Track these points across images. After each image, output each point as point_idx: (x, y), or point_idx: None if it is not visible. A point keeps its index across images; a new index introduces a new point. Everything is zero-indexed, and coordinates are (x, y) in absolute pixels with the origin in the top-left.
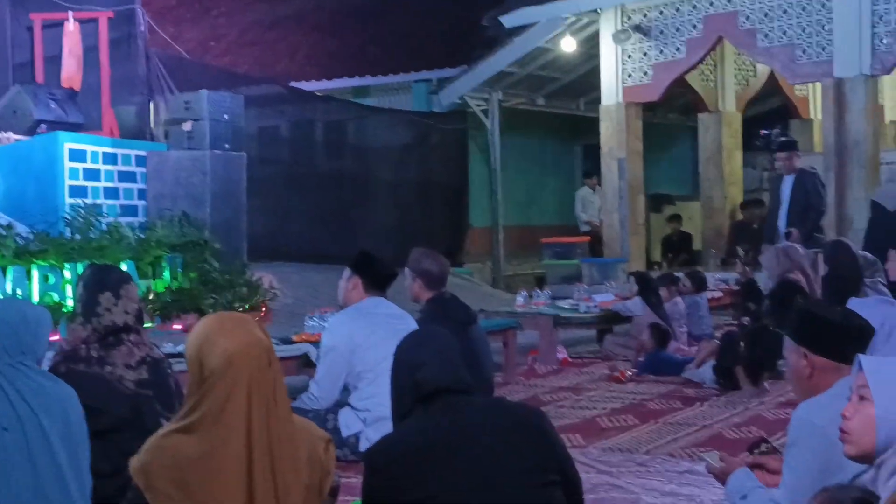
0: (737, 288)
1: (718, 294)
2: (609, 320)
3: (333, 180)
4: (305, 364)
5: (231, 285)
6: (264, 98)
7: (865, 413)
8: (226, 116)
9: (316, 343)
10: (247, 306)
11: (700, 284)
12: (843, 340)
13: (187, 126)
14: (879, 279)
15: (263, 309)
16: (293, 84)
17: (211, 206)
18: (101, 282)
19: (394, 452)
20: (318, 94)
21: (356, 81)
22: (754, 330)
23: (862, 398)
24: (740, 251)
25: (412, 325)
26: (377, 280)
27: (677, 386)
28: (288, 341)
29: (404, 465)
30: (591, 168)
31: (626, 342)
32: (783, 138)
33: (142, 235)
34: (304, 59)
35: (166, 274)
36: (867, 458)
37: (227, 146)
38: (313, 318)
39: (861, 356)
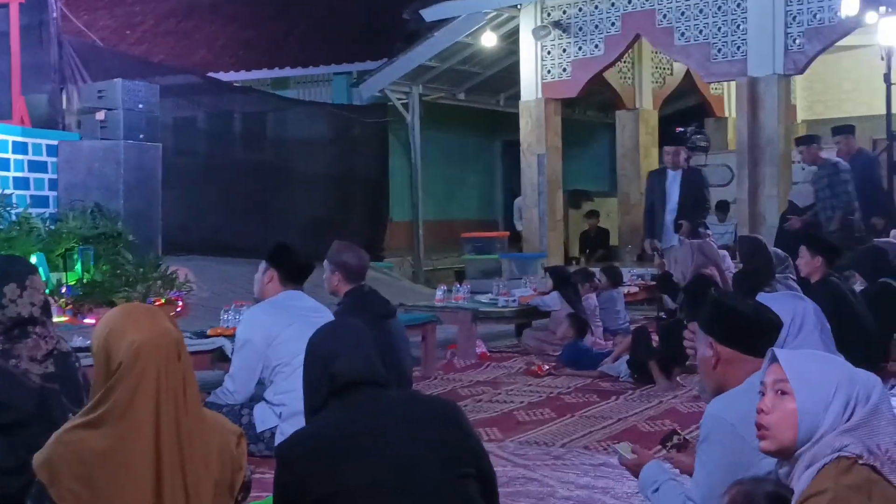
0: (653, 283)
1: (634, 289)
2: (527, 315)
3: (252, 172)
4: (220, 358)
5: (145, 278)
6: (181, 88)
7: (785, 408)
8: (140, 106)
9: (231, 337)
10: (162, 300)
11: (616, 279)
12: (752, 333)
13: (100, 115)
14: (790, 275)
15: (180, 303)
16: (211, 74)
17: (124, 197)
18: (5, 273)
19: (306, 447)
20: (237, 84)
21: (276, 73)
22: (668, 324)
23: (781, 392)
24: (658, 244)
25: (330, 319)
26: (294, 273)
27: (594, 380)
28: (202, 335)
29: (317, 460)
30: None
31: (544, 336)
32: (697, 135)
33: (53, 227)
34: (222, 49)
35: (78, 266)
36: (786, 453)
37: (141, 136)
38: (228, 312)
39: (776, 350)
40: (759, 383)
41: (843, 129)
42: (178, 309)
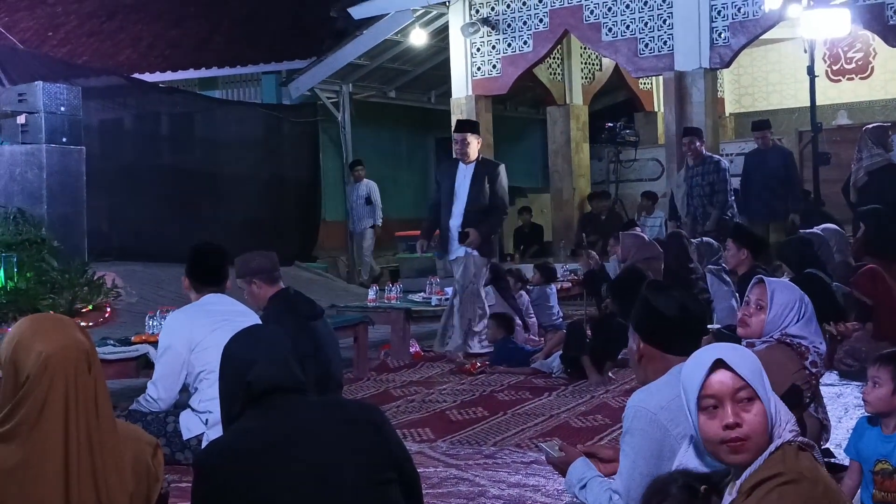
0: (581, 279)
1: (567, 285)
2: None
3: (180, 175)
4: (145, 365)
5: (71, 285)
6: (105, 90)
7: (755, 413)
8: (63, 109)
9: (155, 343)
10: (89, 306)
11: (549, 275)
12: (673, 333)
13: (21, 119)
14: (724, 264)
15: (108, 309)
16: (136, 75)
17: (48, 202)
18: None
19: (224, 456)
20: (163, 85)
21: (202, 73)
22: (599, 319)
23: (746, 399)
24: (584, 239)
25: (256, 322)
26: (206, 276)
27: (526, 377)
28: (127, 342)
29: (236, 469)
30: None
31: None
32: (626, 130)
33: None
34: (148, 49)
35: (1, 274)
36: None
37: (64, 140)
38: (154, 318)
39: (723, 357)
40: (677, 376)
41: (761, 125)
42: (107, 315)
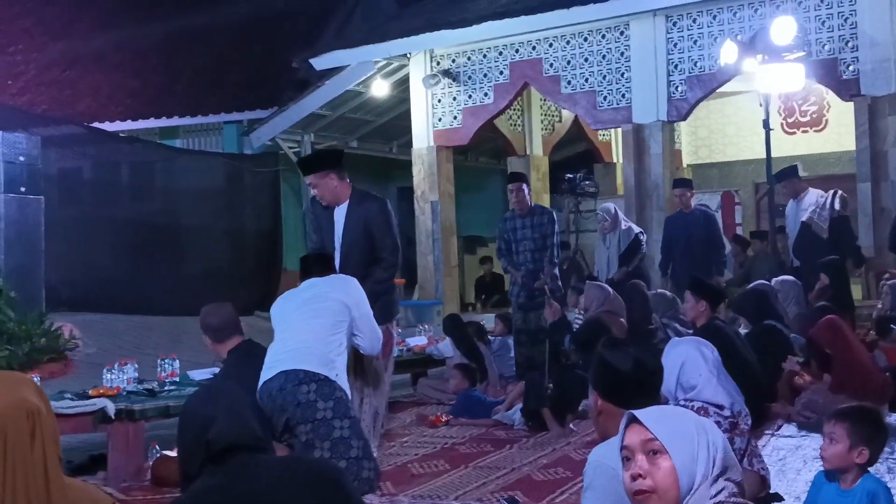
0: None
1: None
2: (423, 363)
3: (140, 224)
4: (102, 419)
5: (28, 336)
6: (65, 139)
7: (663, 466)
8: (21, 158)
9: (113, 397)
10: (47, 358)
11: (510, 326)
12: (628, 389)
13: None
14: (681, 316)
15: (67, 360)
16: (97, 124)
17: (5, 252)
18: None
19: None
20: (123, 134)
21: (163, 122)
22: (559, 370)
23: (653, 452)
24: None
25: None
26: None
27: (488, 429)
28: (85, 395)
29: None
30: None
31: (439, 385)
32: (586, 181)
33: None
34: (108, 98)
35: None
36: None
37: (22, 189)
38: (112, 371)
39: (635, 412)
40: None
41: (682, 182)
42: (64, 366)
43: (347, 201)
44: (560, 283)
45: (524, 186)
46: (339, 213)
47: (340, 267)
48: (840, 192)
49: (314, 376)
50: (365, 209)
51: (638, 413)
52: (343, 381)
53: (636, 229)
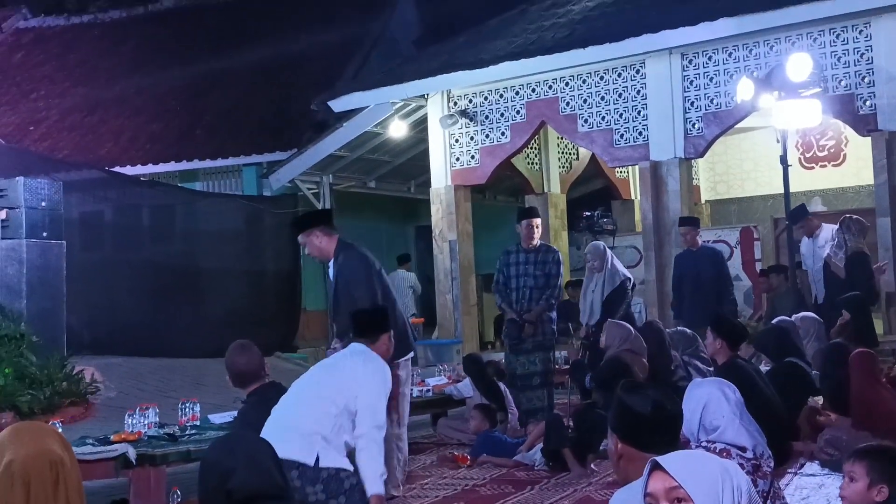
0: (566, 367)
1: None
2: (442, 404)
3: (161, 267)
4: (124, 465)
5: (50, 380)
6: (86, 183)
7: None
8: (44, 203)
9: (134, 442)
10: (68, 402)
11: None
12: (648, 431)
13: (2, 214)
14: (702, 353)
15: (89, 404)
16: (118, 168)
17: (28, 297)
18: None
19: None
20: (143, 178)
21: (183, 165)
22: (581, 410)
23: (678, 500)
24: (570, 328)
25: None
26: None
27: (509, 469)
28: (107, 441)
29: None
30: None
31: (459, 425)
32: (604, 219)
33: None
34: (129, 142)
35: None
36: None
37: (45, 234)
38: (133, 416)
39: (658, 458)
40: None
41: (688, 221)
42: (86, 410)
43: (334, 257)
44: (555, 327)
45: (538, 222)
46: (330, 269)
47: (332, 321)
48: (847, 218)
49: (294, 464)
50: (339, 264)
51: (661, 460)
52: (332, 455)
53: (623, 275)
